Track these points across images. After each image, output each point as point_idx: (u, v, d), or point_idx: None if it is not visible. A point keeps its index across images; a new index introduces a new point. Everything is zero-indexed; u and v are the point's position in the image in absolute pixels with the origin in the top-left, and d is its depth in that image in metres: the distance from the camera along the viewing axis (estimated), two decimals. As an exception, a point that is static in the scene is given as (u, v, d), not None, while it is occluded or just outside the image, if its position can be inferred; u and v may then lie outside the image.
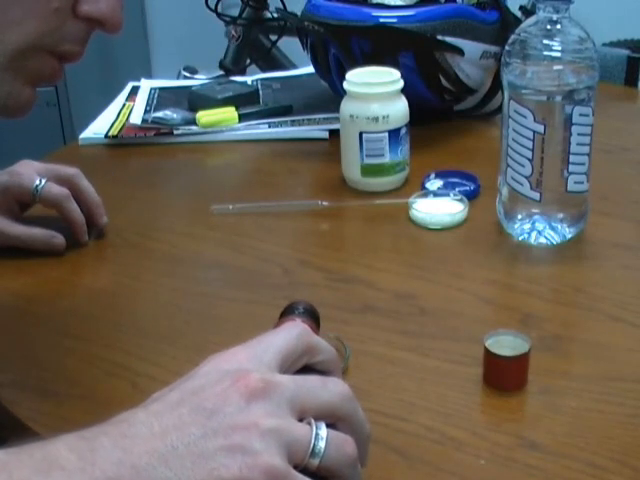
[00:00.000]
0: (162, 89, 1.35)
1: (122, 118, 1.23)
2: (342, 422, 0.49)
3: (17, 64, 0.59)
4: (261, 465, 0.44)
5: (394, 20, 1.07)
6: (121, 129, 1.19)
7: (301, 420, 0.47)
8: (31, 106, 0.63)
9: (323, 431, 0.47)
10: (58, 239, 0.88)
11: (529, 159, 0.82)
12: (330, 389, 0.49)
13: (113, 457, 0.43)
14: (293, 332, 0.52)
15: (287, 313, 0.63)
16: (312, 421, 0.47)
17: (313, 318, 0.63)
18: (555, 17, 0.80)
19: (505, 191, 0.86)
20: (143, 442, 0.44)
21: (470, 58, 1.11)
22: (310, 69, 1.25)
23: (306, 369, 0.53)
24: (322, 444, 0.46)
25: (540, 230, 0.85)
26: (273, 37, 1.81)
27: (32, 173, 0.89)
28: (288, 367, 0.51)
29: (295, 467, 0.46)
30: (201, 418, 0.45)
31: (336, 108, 1.01)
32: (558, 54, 0.80)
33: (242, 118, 1.18)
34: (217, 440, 0.44)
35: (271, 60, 1.94)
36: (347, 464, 0.47)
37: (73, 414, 0.66)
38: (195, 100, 1.24)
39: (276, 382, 0.47)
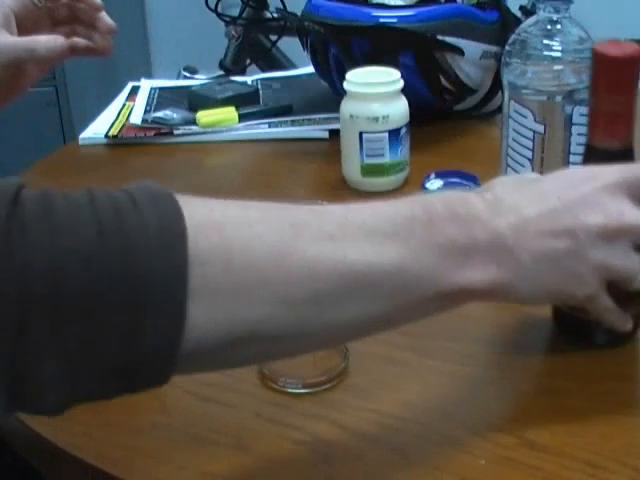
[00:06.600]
0: (162, 89, 1.35)
1: (122, 118, 1.23)
2: None
3: None
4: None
5: (394, 20, 1.07)
6: (121, 129, 1.19)
7: None
8: None
9: None
10: (60, 40, 0.81)
11: (529, 159, 0.82)
12: None
13: None
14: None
15: None
16: None
17: None
18: (555, 17, 0.80)
19: (505, 191, 0.86)
20: None
21: (470, 58, 1.11)
22: (310, 69, 1.25)
23: None
24: None
25: (540, 230, 0.85)
26: (273, 37, 1.81)
27: None
28: None
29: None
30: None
31: (336, 108, 1.01)
32: (558, 54, 0.80)
33: (242, 118, 1.18)
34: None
35: (271, 60, 1.94)
36: None
37: (73, 414, 0.66)
38: (195, 100, 1.24)
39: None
